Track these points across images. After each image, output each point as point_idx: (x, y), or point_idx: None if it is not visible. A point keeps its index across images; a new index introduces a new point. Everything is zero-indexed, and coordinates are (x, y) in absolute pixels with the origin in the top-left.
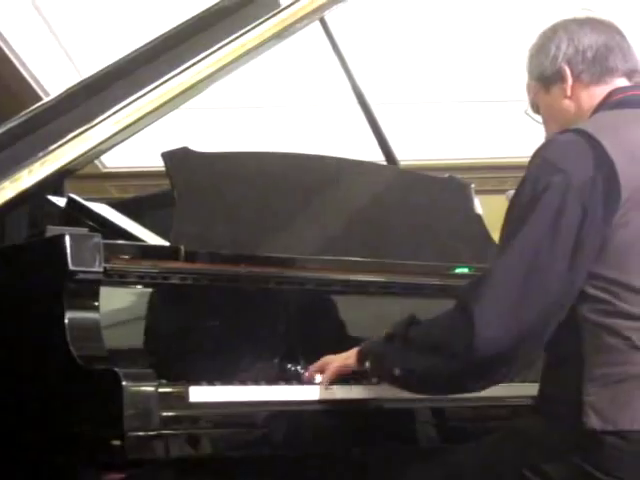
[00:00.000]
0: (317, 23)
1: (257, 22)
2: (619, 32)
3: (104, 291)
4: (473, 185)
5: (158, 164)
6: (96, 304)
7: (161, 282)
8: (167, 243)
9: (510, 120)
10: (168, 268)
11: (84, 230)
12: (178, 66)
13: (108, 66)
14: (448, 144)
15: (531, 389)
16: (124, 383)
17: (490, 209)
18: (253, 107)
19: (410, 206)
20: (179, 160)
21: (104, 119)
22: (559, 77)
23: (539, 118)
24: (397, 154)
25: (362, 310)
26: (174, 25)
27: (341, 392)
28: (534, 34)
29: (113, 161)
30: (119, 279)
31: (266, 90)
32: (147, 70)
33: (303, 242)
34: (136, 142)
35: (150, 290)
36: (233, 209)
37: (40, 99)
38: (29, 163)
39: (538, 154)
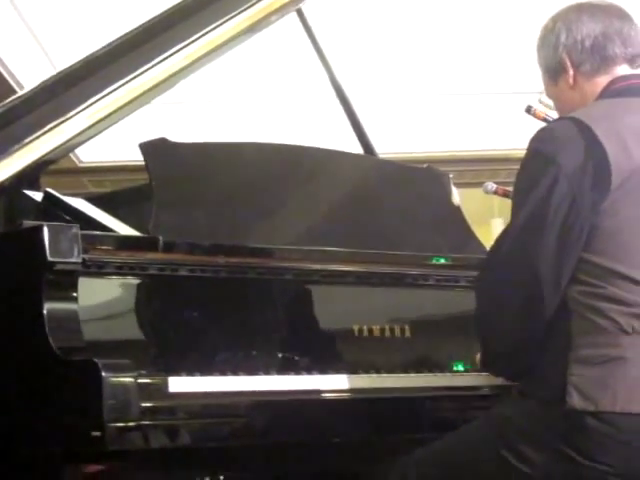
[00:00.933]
0: (294, 14)
1: (232, 14)
2: (620, 16)
3: (82, 282)
4: (452, 175)
5: (134, 158)
6: (75, 295)
7: (140, 273)
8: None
9: (487, 113)
10: (146, 259)
11: (61, 224)
12: (152, 59)
13: (82, 59)
14: (425, 137)
15: None
16: (103, 374)
17: (468, 202)
18: (230, 100)
19: (389, 196)
20: (157, 150)
21: (78, 112)
22: (561, 68)
23: (552, 104)
24: (376, 147)
25: (341, 300)
26: (148, 18)
27: (320, 381)
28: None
29: (89, 156)
30: (97, 270)
31: (244, 83)
32: (121, 63)
33: (282, 232)
34: (112, 136)
35: (129, 281)
36: (212, 199)
37: (14, 92)
38: (4, 156)
39: (532, 144)
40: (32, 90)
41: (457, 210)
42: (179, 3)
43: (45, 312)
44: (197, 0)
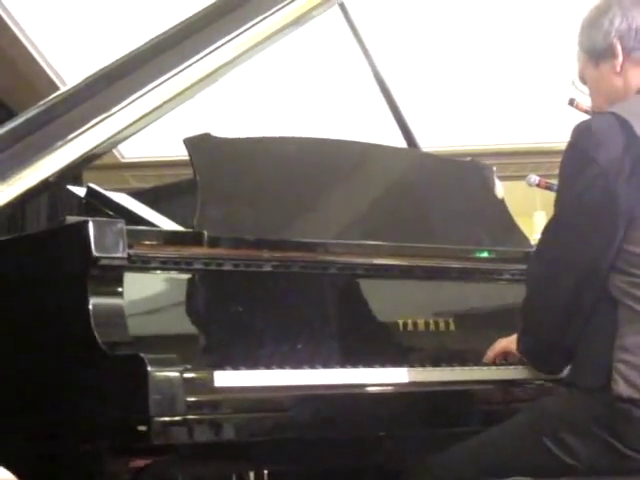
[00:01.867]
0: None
1: (276, 8)
2: None
3: (128, 277)
4: (495, 168)
5: (176, 153)
6: (120, 290)
7: (184, 267)
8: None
9: (531, 105)
10: (191, 254)
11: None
12: (196, 53)
13: (125, 55)
14: (469, 130)
15: None
16: (149, 368)
17: (511, 194)
18: (274, 94)
19: (432, 189)
20: (201, 146)
21: (122, 108)
22: (610, 52)
23: (586, 90)
24: (419, 141)
25: (386, 294)
26: (194, 11)
27: (365, 375)
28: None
29: (132, 151)
30: (142, 265)
31: (288, 78)
32: (164, 59)
33: (326, 226)
34: (154, 132)
35: (173, 276)
36: (256, 194)
37: (58, 89)
38: (49, 152)
39: (572, 141)
40: (75, 86)
41: (500, 203)
42: None
43: (91, 307)
44: None
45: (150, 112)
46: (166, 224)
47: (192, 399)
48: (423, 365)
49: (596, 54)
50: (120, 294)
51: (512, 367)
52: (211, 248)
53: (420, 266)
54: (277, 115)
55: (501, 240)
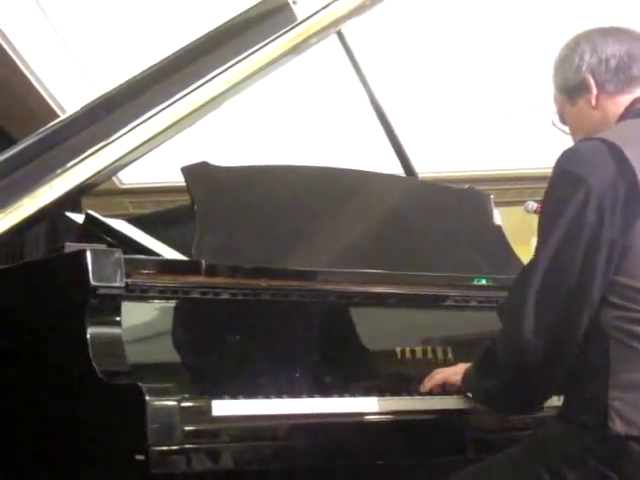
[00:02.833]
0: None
1: (274, 37)
2: None
3: (126, 306)
4: (492, 196)
5: (175, 180)
6: (118, 319)
7: (182, 296)
8: (186, 258)
9: (529, 131)
10: (189, 282)
11: (103, 246)
12: (194, 82)
13: (124, 83)
14: (467, 156)
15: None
16: (147, 398)
17: (509, 220)
18: (271, 122)
19: (430, 217)
20: (199, 174)
21: (121, 135)
22: (584, 87)
23: (566, 129)
24: (416, 167)
25: (383, 322)
26: (190, 41)
27: (363, 404)
28: (557, 46)
29: (130, 177)
30: (140, 294)
31: (285, 105)
32: (163, 86)
33: (324, 255)
34: (153, 158)
35: (172, 304)
36: (254, 222)
37: (57, 116)
38: (48, 180)
39: (559, 165)
40: (74, 114)
41: (498, 230)
42: (219, 27)
43: (89, 336)
44: (237, 23)
45: (150, 139)
46: (164, 251)
47: (190, 428)
48: (421, 394)
49: (570, 91)
50: (118, 323)
51: None
52: (209, 277)
53: (418, 294)
54: (274, 143)
55: (498, 268)
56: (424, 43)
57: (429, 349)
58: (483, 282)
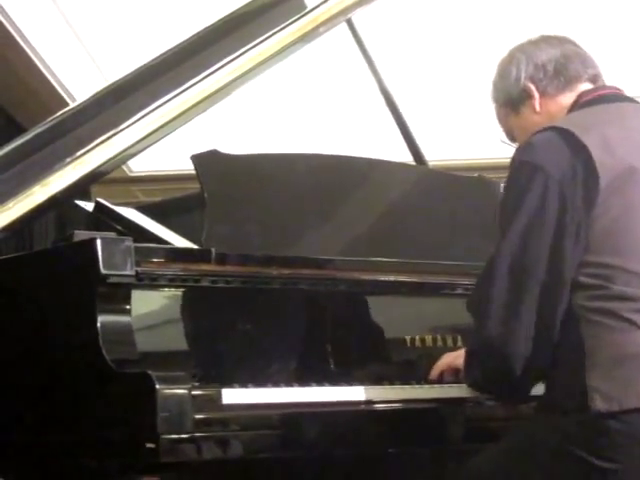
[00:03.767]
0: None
1: (283, 25)
2: (574, 43)
3: (135, 294)
4: (502, 184)
5: (184, 167)
6: (128, 307)
7: (192, 285)
8: (196, 246)
9: None
10: (199, 271)
11: (112, 234)
12: (204, 70)
13: (134, 71)
14: (477, 143)
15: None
16: (157, 386)
17: None
18: (281, 110)
19: (440, 206)
20: (209, 162)
21: (131, 124)
22: (526, 95)
23: (515, 145)
24: (425, 154)
25: (393, 311)
26: (199, 29)
27: (373, 393)
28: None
29: (140, 165)
30: (150, 282)
31: (295, 94)
32: (172, 75)
33: (334, 243)
34: (162, 146)
35: (181, 293)
36: (263, 211)
37: (67, 105)
38: (58, 168)
39: (516, 158)
40: (84, 102)
41: None
42: (228, 15)
43: (99, 325)
44: (247, 12)
45: (159, 128)
46: (174, 239)
47: (200, 416)
48: (431, 382)
49: (514, 102)
50: (128, 311)
51: None
52: (219, 265)
53: (428, 282)
54: (284, 131)
55: None
56: (435, 31)
57: (439, 337)
58: None
